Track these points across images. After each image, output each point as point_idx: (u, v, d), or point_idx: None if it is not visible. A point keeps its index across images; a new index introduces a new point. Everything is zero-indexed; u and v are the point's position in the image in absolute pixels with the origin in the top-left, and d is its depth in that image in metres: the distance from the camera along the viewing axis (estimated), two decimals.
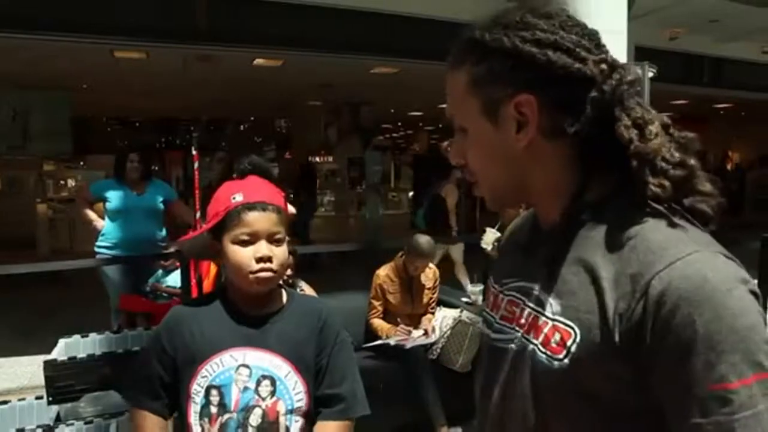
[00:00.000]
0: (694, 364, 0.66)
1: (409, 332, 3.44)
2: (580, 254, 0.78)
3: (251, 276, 1.24)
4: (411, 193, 11.73)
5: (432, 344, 3.46)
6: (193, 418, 1.24)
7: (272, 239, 1.26)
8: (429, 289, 3.64)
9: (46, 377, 3.04)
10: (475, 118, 0.82)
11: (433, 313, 3.65)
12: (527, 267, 0.86)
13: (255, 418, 1.23)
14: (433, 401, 3.15)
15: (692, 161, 0.77)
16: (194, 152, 4.25)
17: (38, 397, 3.08)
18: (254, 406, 1.23)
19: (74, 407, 3.09)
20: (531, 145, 0.80)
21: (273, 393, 1.24)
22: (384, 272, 3.59)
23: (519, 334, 0.83)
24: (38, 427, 2.79)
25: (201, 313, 1.32)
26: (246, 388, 1.23)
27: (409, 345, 3.32)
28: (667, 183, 0.75)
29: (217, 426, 1.22)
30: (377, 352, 3.41)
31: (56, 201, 9.83)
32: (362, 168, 10.67)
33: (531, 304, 0.82)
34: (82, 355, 3.18)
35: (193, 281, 3.84)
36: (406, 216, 11.09)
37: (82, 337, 3.54)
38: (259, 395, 1.23)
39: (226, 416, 1.22)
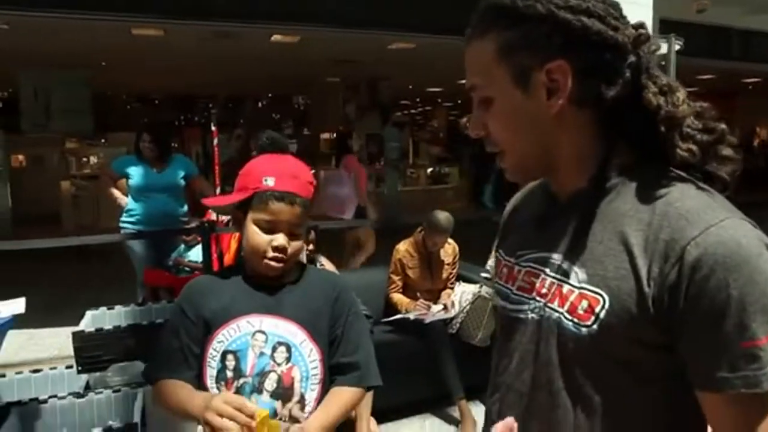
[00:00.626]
0: (727, 325, 0.69)
1: (429, 307, 3.46)
2: (607, 222, 0.79)
3: (264, 260, 1.28)
4: (429, 170, 11.70)
5: (451, 319, 3.48)
6: (210, 382, 1.27)
7: (292, 232, 1.28)
8: (448, 264, 3.65)
9: (75, 348, 3.14)
10: (503, 86, 0.81)
11: (452, 288, 3.67)
12: (544, 238, 0.87)
13: (270, 383, 1.25)
14: (452, 375, 3.18)
15: (722, 125, 0.78)
16: (213, 129, 4.30)
17: (68, 367, 3.18)
18: (270, 371, 1.25)
19: (102, 376, 3.19)
20: (560, 113, 0.80)
21: (288, 359, 1.26)
22: (404, 247, 3.61)
23: (540, 304, 0.84)
24: (69, 394, 2.89)
25: (219, 282, 1.35)
26: (262, 354, 1.25)
27: (428, 320, 3.35)
28: (695, 147, 0.77)
29: (233, 389, 1.24)
30: (396, 327, 3.44)
31: (79, 178, 9.97)
32: (381, 144, 10.65)
33: (553, 274, 0.83)
34: (108, 326, 3.27)
35: (215, 256, 3.91)
36: (425, 193, 11.08)
37: (108, 309, 3.63)
38: (274, 361, 1.25)
39: (242, 380, 1.24)
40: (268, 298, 1.30)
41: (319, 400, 1.29)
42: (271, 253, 1.27)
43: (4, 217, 8.55)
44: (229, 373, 1.25)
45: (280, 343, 1.26)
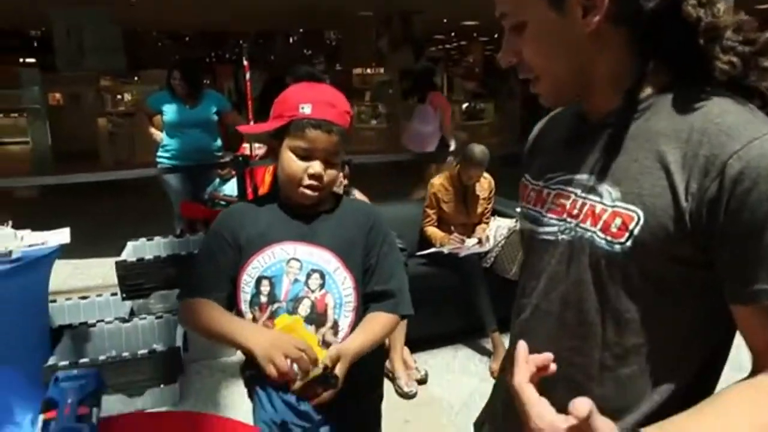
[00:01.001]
0: (766, 237, 0.69)
1: (463, 241, 3.46)
2: (643, 141, 0.79)
3: (299, 188, 1.27)
4: (464, 106, 11.48)
5: (486, 253, 3.48)
6: (244, 307, 1.29)
7: (329, 160, 1.27)
8: (484, 199, 3.61)
9: (119, 276, 3.26)
10: (537, 8, 0.80)
11: (487, 223, 3.64)
12: (574, 159, 0.87)
13: (304, 309, 1.26)
14: (485, 307, 3.20)
15: (765, 35, 0.75)
16: (245, 63, 4.24)
17: (113, 294, 3.33)
18: (303, 297, 1.26)
19: (145, 303, 3.33)
20: (596, 32, 0.79)
21: (322, 286, 1.27)
22: (439, 181, 3.58)
23: (571, 224, 0.85)
24: (116, 319, 3.03)
25: (255, 209, 1.36)
26: (296, 280, 1.27)
27: (462, 253, 3.35)
28: (735, 59, 0.75)
29: (267, 313, 1.26)
30: (431, 260, 3.46)
31: (115, 115, 10.10)
32: (414, 79, 10.43)
33: (584, 194, 0.84)
34: (149, 256, 3.38)
35: (249, 189, 3.95)
36: (459, 129, 10.90)
37: (148, 240, 3.75)
38: (308, 287, 1.27)
39: (276, 305, 1.26)
40: (303, 227, 1.30)
41: (353, 326, 1.30)
42: (306, 181, 1.26)
43: (45, 154, 8.78)
44: (263, 298, 1.27)
45: (314, 270, 1.27)
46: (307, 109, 1.25)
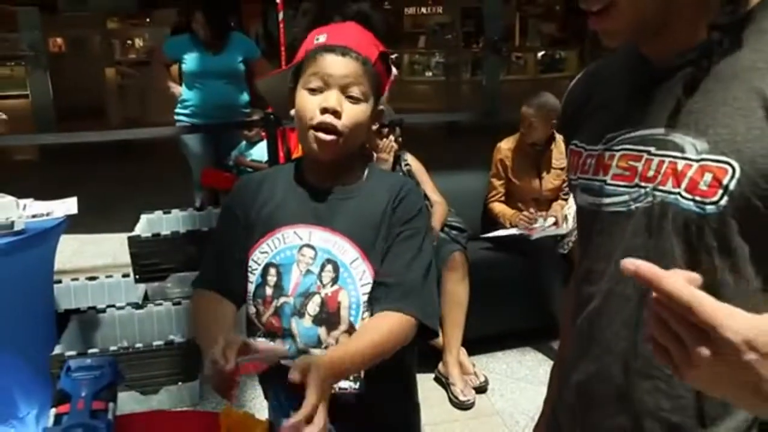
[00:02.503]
0: None
1: (536, 220, 3.44)
2: (732, 79, 0.79)
3: (311, 132, 1.24)
4: (540, 54, 11.27)
5: (563, 236, 3.45)
6: (249, 297, 1.30)
7: (348, 92, 1.24)
8: (561, 169, 3.57)
9: (131, 254, 3.40)
10: None
11: (566, 200, 3.61)
12: (641, 112, 0.87)
13: (313, 306, 1.25)
14: (560, 302, 3.20)
15: None
16: (278, 1, 4.27)
17: (125, 275, 3.47)
18: (314, 293, 1.25)
19: (161, 287, 3.46)
20: None
21: (335, 280, 1.25)
22: (507, 146, 3.55)
23: (647, 189, 0.85)
24: (128, 304, 3.17)
25: (269, 183, 1.36)
26: (308, 272, 1.26)
27: (535, 236, 3.34)
28: None
29: (271, 309, 1.27)
30: (496, 243, 3.46)
31: (124, 64, 10.35)
32: (479, 22, 10.29)
33: (660, 152, 0.84)
34: (165, 232, 3.49)
35: (281, 154, 4.00)
36: (534, 83, 10.72)
37: (165, 213, 3.88)
38: (321, 281, 1.25)
39: (282, 300, 1.26)
40: (321, 206, 1.29)
41: None
42: (318, 117, 1.23)
43: (46, 109, 9.05)
44: (269, 290, 1.27)
45: (328, 261, 1.26)
46: (321, 38, 1.27)
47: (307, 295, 1.25)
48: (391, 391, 1.34)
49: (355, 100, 1.25)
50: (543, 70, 11.27)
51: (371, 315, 1.26)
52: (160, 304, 3.19)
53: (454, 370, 3.05)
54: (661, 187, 0.83)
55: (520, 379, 3.21)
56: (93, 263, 4.57)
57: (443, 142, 7.01)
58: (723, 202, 0.77)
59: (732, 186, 0.76)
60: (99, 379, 1.29)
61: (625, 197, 0.87)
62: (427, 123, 7.01)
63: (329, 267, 1.25)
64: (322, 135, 1.24)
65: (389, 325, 1.21)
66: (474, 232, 3.52)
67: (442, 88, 10.93)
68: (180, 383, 2.89)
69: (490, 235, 3.47)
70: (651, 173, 0.84)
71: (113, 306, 3.15)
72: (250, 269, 1.30)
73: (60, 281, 3.33)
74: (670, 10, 0.83)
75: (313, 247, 1.26)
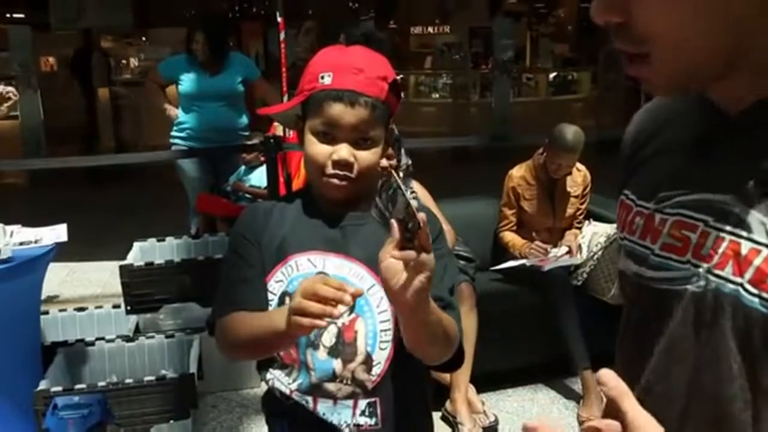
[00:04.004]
0: None
1: (547, 251, 3.44)
2: None
3: (324, 178, 1.27)
4: (552, 76, 11.34)
5: (577, 267, 3.45)
6: None
7: (358, 142, 1.26)
8: (576, 197, 3.57)
9: (123, 283, 3.39)
10: None
11: (580, 228, 3.61)
12: (705, 171, 0.76)
13: (329, 337, 1.27)
14: (575, 338, 3.17)
15: None
16: (279, 20, 4.32)
17: (115, 306, 3.46)
18: (329, 323, 1.23)
19: (153, 318, 3.45)
20: None
21: (352, 309, 1.24)
22: (519, 173, 3.56)
23: (701, 270, 0.74)
24: (118, 336, 3.16)
25: (279, 210, 1.38)
26: None
27: (547, 266, 3.33)
28: None
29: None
30: (507, 274, 3.46)
31: (119, 84, 10.44)
32: (488, 42, 10.38)
33: (722, 226, 0.72)
34: (159, 260, 3.50)
35: (281, 179, 4.01)
36: (545, 105, 10.78)
37: (158, 241, 3.89)
38: None
39: None
40: (334, 231, 1.31)
41: (391, 362, 1.28)
42: (331, 169, 1.25)
43: (36, 132, 9.10)
44: None
45: None
46: (327, 79, 1.25)
47: None
48: (408, 412, 1.34)
49: (367, 145, 1.27)
50: (554, 92, 11.32)
51: (399, 343, 1.25)
52: (153, 337, 3.18)
53: (463, 408, 3.02)
54: (718, 272, 0.72)
55: (532, 419, 3.18)
56: (82, 293, 4.57)
57: (450, 167, 7.03)
58: None
59: None
60: (87, 418, 1.29)
61: (676, 273, 0.76)
62: (434, 147, 7.04)
63: None
64: (335, 181, 1.26)
65: (451, 322, 1.21)
66: (483, 262, 3.52)
67: (449, 111, 10.99)
68: (172, 421, 2.86)
69: (502, 267, 3.46)
70: (706, 251, 0.73)
71: (103, 338, 3.14)
72: (267, 300, 1.31)
73: (47, 312, 3.33)
74: (735, 61, 0.70)
75: (327, 275, 1.26)
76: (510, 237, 3.54)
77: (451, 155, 7.99)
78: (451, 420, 3.04)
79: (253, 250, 1.34)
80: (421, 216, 0.98)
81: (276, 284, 1.31)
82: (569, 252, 3.46)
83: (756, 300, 0.68)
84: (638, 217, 0.84)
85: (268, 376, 1.34)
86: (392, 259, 1.00)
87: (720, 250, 0.72)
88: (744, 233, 0.70)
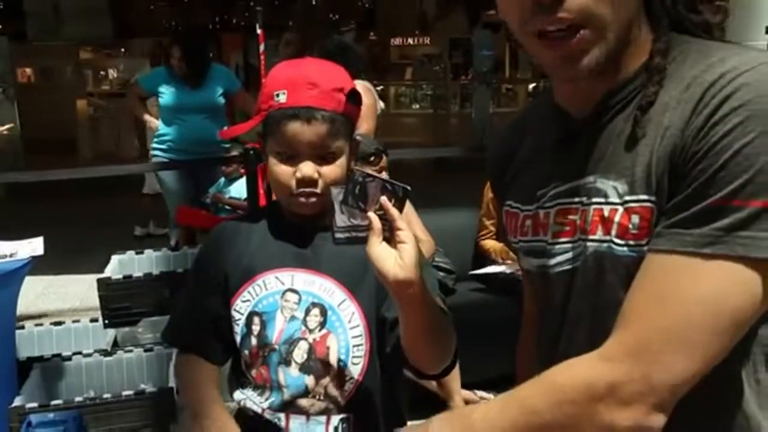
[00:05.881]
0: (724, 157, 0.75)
1: None
2: (647, 120, 0.81)
3: (291, 198, 1.26)
4: (531, 86, 11.43)
5: None
6: (239, 346, 1.32)
7: (321, 156, 1.24)
8: None
9: (101, 297, 3.35)
10: None
11: None
12: (566, 165, 0.89)
13: (300, 353, 1.26)
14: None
15: None
16: (259, 31, 4.32)
17: (93, 320, 3.42)
18: (299, 339, 1.26)
19: (132, 332, 3.41)
20: None
21: (323, 325, 1.26)
22: None
23: (586, 243, 0.85)
24: (95, 351, 3.12)
25: (246, 229, 1.37)
26: (293, 318, 1.27)
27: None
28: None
29: (259, 360, 1.28)
30: (486, 283, 3.46)
31: (97, 96, 10.38)
32: (468, 53, 10.44)
33: (590, 200, 0.85)
34: (138, 273, 3.46)
35: (261, 191, 4.00)
36: None
37: (137, 254, 3.84)
38: (306, 326, 1.26)
39: (267, 349, 1.27)
40: (303, 248, 1.30)
41: (365, 376, 1.28)
42: (296, 189, 1.24)
43: (14, 144, 9.01)
44: (254, 340, 1.28)
45: (314, 305, 1.27)
46: (282, 97, 1.23)
47: (291, 342, 1.26)
48: (383, 425, 1.32)
49: (329, 158, 1.25)
50: None
51: (380, 360, 1.28)
52: (131, 351, 3.13)
53: None
54: (591, 237, 0.84)
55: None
56: (59, 307, 4.52)
57: (430, 178, 7.05)
58: None
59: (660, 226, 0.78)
60: None
61: (569, 254, 0.88)
62: (414, 158, 7.06)
63: (315, 311, 1.26)
64: (302, 200, 1.25)
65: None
66: (463, 271, 3.52)
67: (429, 121, 11.04)
68: None
69: (480, 271, 3.47)
70: (587, 225, 0.85)
71: (80, 353, 3.09)
72: (234, 320, 1.30)
73: (23, 326, 3.28)
74: (625, 45, 0.84)
75: (296, 292, 1.27)
76: (490, 244, 3.57)
77: (432, 165, 8.01)
78: None
79: (212, 286, 1.34)
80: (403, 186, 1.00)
81: (243, 304, 1.30)
82: None
83: (625, 248, 0.81)
84: (527, 219, 0.95)
85: (239, 396, 1.33)
86: (379, 247, 1.00)
87: (588, 219, 0.84)
88: (602, 200, 0.83)
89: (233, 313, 1.30)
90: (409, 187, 1.00)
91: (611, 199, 0.82)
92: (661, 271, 0.76)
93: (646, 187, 0.79)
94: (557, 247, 0.90)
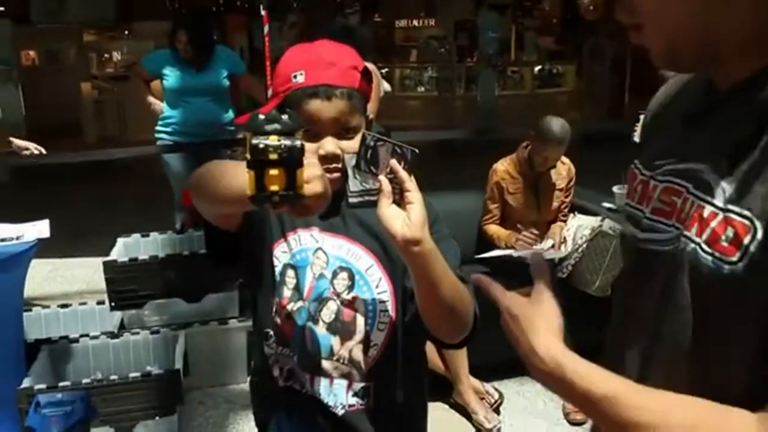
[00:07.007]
0: None
1: (534, 242, 3.45)
2: None
3: None
4: (537, 69, 11.38)
5: (562, 260, 3.46)
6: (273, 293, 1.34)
7: (341, 132, 1.28)
8: (561, 190, 3.59)
9: (107, 279, 3.38)
10: None
11: (564, 221, 3.62)
12: (691, 142, 0.83)
13: (328, 313, 1.30)
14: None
15: None
16: (263, 13, 4.31)
17: (99, 303, 3.45)
18: (328, 299, 1.30)
19: (138, 315, 3.44)
20: None
21: (351, 288, 1.30)
22: (503, 167, 3.57)
23: (678, 232, 0.80)
24: (102, 333, 3.14)
25: None
26: (321, 276, 1.31)
27: (531, 259, 3.34)
28: None
29: (285, 312, 1.32)
30: (491, 267, 3.46)
31: (101, 78, 10.35)
32: (474, 35, 10.38)
33: (697, 192, 0.79)
34: (143, 256, 3.48)
35: None
36: (530, 98, 10.81)
37: (143, 236, 3.87)
38: (334, 288, 1.30)
39: (298, 304, 1.31)
40: (331, 216, 1.32)
41: (388, 345, 1.31)
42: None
43: (18, 127, 9.03)
44: (287, 292, 1.32)
45: (341, 269, 1.31)
46: (300, 77, 1.27)
47: (321, 300, 1.30)
48: (402, 398, 1.36)
49: (350, 134, 1.28)
50: (540, 85, 11.35)
51: (406, 330, 1.31)
52: (137, 333, 3.16)
53: (471, 397, 3.12)
54: (687, 232, 0.78)
55: (519, 412, 3.20)
56: (65, 290, 4.54)
57: (436, 161, 7.04)
58: (741, 265, 0.72)
59: (752, 248, 0.71)
60: (70, 415, 1.29)
61: (661, 236, 0.83)
62: (419, 141, 7.06)
63: (343, 275, 1.31)
64: (327, 176, 1.23)
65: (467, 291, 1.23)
66: (468, 255, 3.52)
67: (434, 104, 10.99)
68: (158, 418, 2.85)
69: (484, 255, 3.47)
70: (685, 214, 0.79)
71: (87, 335, 3.13)
72: (273, 265, 1.33)
73: (30, 309, 3.31)
74: (712, 40, 0.78)
75: (325, 253, 1.31)
76: (494, 229, 3.55)
77: (437, 149, 7.99)
78: (463, 411, 3.13)
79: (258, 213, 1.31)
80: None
81: (282, 254, 1.33)
82: (554, 246, 3.47)
83: (709, 258, 0.75)
84: (640, 184, 0.91)
85: (268, 350, 1.35)
86: (389, 208, 1.05)
87: (691, 213, 0.78)
88: (708, 198, 0.77)
89: (273, 259, 1.33)
90: (417, 150, 1.06)
91: (715, 201, 0.75)
92: None
93: (754, 207, 0.71)
94: (650, 223, 0.86)
